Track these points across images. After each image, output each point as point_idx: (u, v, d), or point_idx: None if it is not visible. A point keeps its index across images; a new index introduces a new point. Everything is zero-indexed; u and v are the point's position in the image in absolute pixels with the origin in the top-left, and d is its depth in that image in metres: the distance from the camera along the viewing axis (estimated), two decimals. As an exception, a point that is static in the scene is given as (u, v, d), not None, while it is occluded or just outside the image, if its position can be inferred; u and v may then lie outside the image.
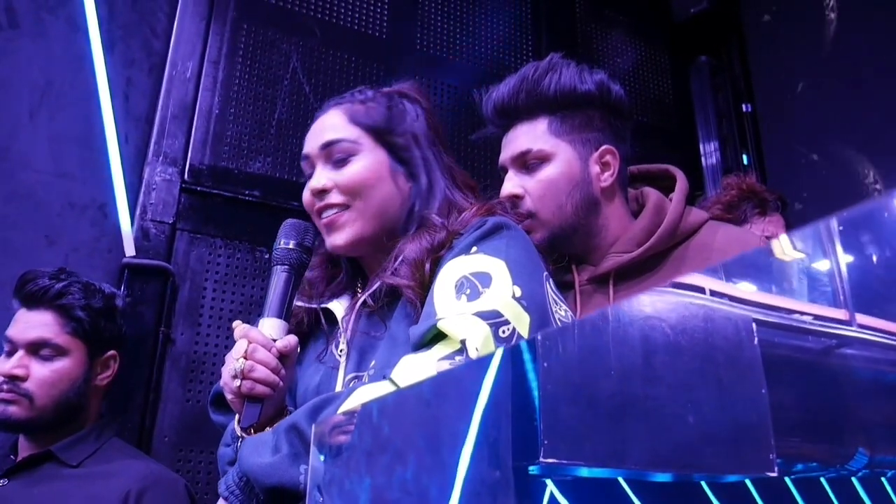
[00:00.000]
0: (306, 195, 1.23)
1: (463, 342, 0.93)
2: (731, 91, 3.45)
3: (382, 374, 0.99)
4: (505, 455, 0.52)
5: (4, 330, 1.69)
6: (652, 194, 1.44)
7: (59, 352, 1.58)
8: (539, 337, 0.52)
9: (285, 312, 1.11)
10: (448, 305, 1.01)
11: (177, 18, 2.44)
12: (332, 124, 1.23)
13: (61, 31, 2.27)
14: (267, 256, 2.28)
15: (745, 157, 3.32)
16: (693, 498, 0.48)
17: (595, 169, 1.37)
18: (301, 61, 2.57)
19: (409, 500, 0.57)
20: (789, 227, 2.06)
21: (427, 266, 1.09)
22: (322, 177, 1.20)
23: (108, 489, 1.48)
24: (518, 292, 1.00)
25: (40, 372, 1.55)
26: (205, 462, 2.07)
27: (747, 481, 0.48)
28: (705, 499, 0.47)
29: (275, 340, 1.08)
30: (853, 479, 0.46)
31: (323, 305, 1.22)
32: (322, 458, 0.66)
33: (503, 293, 0.99)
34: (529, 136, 1.37)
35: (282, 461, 0.94)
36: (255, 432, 1.04)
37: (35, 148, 2.14)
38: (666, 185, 1.49)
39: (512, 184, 1.37)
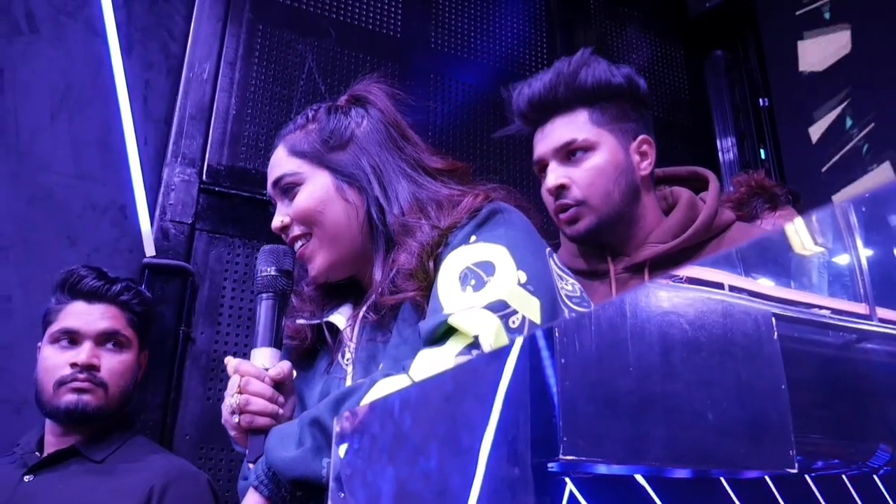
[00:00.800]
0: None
1: (476, 337, 0.93)
2: (748, 85, 3.43)
3: (402, 367, 0.99)
4: (524, 452, 0.52)
5: (28, 326, 1.72)
6: (684, 192, 1.47)
7: (125, 344, 1.63)
8: (556, 333, 0.52)
9: (275, 340, 1.11)
10: (454, 298, 1.00)
11: (193, 20, 2.46)
12: (276, 161, 1.24)
13: (80, 34, 2.30)
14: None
15: (762, 151, 3.30)
16: (713, 496, 0.47)
17: (635, 158, 1.41)
18: (316, 61, 2.58)
19: (430, 495, 0.57)
20: None
21: (430, 266, 1.08)
22: (280, 213, 1.22)
23: (132, 484, 1.48)
24: (523, 277, 0.99)
25: (110, 362, 1.59)
26: (226, 460, 2.09)
27: (767, 479, 0.48)
28: (725, 496, 0.47)
29: (267, 370, 1.08)
30: (875, 476, 0.46)
31: (325, 319, 1.22)
32: (343, 450, 0.66)
33: (508, 281, 0.98)
34: (571, 126, 1.39)
35: (304, 455, 0.95)
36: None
37: (56, 150, 2.17)
38: (694, 188, 1.50)
39: (556, 175, 1.39)
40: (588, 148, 1.37)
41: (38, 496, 1.47)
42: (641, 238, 1.41)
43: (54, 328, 1.60)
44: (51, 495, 1.47)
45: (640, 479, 0.48)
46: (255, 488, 1.00)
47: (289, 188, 1.21)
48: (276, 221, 1.22)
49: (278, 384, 1.09)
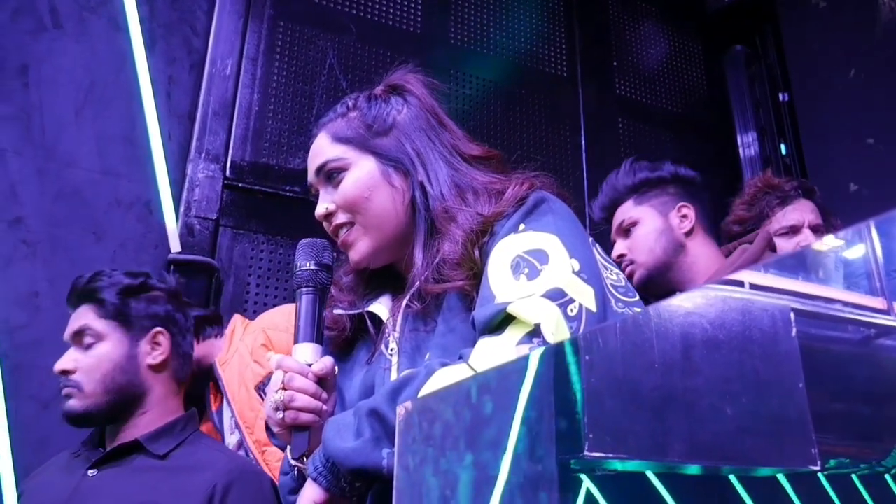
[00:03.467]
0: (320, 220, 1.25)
1: (536, 326, 0.92)
2: (768, 80, 3.40)
3: (459, 356, 0.99)
4: (548, 449, 0.53)
5: (55, 321, 1.74)
6: (742, 248, 1.83)
7: (96, 337, 1.60)
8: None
9: (317, 335, 1.10)
10: (507, 287, 0.99)
11: (215, 16, 2.49)
12: (318, 148, 1.24)
13: (104, 30, 2.32)
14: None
15: (783, 146, 3.28)
16: (727, 493, 0.48)
17: (675, 220, 1.84)
18: (337, 57, 2.60)
19: (450, 490, 0.59)
20: (827, 212, 2.06)
21: (476, 254, 1.07)
22: (324, 200, 1.22)
23: (194, 482, 1.45)
24: (577, 266, 0.99)
25: (84, 361, 1.58)
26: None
27: (781, 477, 0.48)
28: (739, 495, 0.48)
29: (310, 365, 1.07)
30: (887, 476, 0.46)
31: (366, 309, 1.21)
32: (409, 439, 0.66)
33: (563, 269, 0.98)
34: (620, 211, 1.92)
35: (364, 445, 0.94)
36: (307, 460, 1.04)
37: (81, 146, 2.20)
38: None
39: (617, 248, 1.89)
40: (633, 223, 1.87)
41: (101, 491, 1.46)
42: (701, 280, 1.77)
43: None
44: (112, 491, 1.45)
45: (653, 476, 0.49)
46: (314, 480, 0.99)
47: (333, 174, 1.20)
48: (321, 209, 1.21)
49: (321, 380, 1.07)
